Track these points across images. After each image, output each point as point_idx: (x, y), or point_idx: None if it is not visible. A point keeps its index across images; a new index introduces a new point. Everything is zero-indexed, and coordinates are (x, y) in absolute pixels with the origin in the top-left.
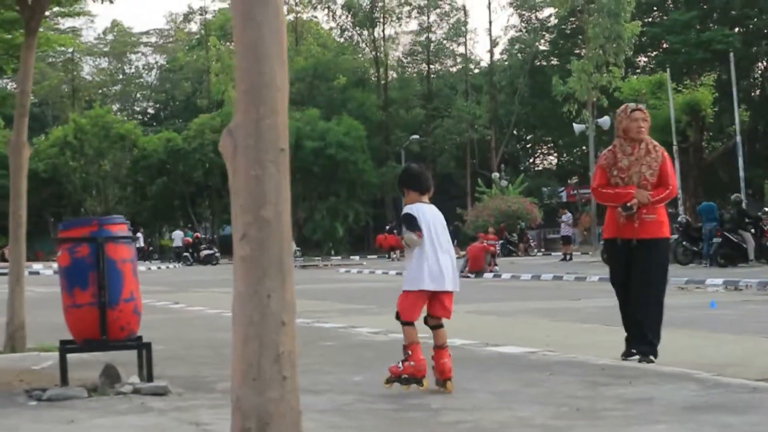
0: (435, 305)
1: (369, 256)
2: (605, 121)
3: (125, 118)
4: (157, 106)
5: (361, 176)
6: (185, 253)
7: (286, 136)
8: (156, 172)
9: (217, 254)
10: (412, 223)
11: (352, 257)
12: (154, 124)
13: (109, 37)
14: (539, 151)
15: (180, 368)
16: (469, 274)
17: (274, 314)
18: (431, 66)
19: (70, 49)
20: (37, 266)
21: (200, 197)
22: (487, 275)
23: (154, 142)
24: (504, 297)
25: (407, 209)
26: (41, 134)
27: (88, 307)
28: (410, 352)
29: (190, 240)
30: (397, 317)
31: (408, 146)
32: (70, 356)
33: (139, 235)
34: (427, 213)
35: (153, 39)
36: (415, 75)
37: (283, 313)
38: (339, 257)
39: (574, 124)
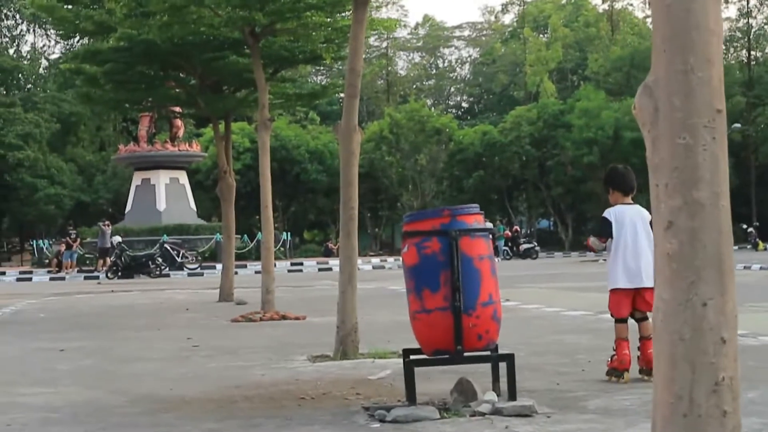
0: (637, 300)
1: None
2: None
3: (440, 112)
4: (471, 99)
5: None
6: (504, 247)
7: (721, 93)
8: (472, 165)
9: (537, 248)
10: (603, 228)
11: None
12: (468, 117)
13: (421, 32)
14: None
15: (536, 380)
16: None
17: (712, 329)
18: (752, 52)
19: (384, 45)
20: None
21: (517, 190)
22: None
23: (470, 136)
24: None
25: (605, 213)
26: None
27: (440, 313)
28: (615, 347)
29: (509, 234)
30: (611, 315)
31: (729, 135)
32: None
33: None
34: (627, 214)
35: (466, 32)
36: (734, 62)
37: (723, 328)
38: None
39: None
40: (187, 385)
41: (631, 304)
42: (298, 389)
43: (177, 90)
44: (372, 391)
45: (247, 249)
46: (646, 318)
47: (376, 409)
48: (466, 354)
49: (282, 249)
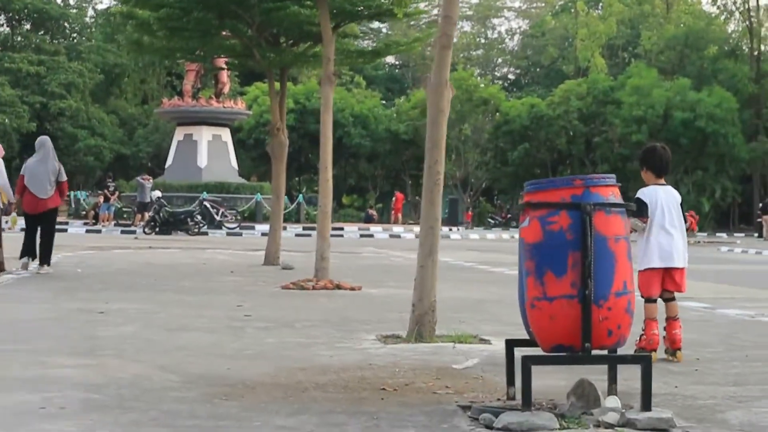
0: (666, 280)
1: (736, 234)
2: None
3: (487, 82)
4: (518, 71)
5: (731, 151)
6: None
7: None
8: (518, 137)
9: None
10: (640, 208)
11: (718, 234)
12: (515, 89)
13: (474, 0)
14: None
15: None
16: None
17: None
18: None
19: (435, 12)
20: (397, 229)
21: (562, 165)
22: None
23: (517, 108)
24: None
25: (639, 194)
26: (401, 96)
27: (565, 301)
28: (644, 327)
29: None
30: (641, 295)
31: None
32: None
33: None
34: (661, 195)
35: (517, 3)
36: None
37: None
38: (704, 234)
39: None
40: (246, 365)
41: (661, 284)
42: (375, 377)
43: (233, 41)
44: (462, 385)
45: (287, 211)
46: (674, 298)
47: (479, 411)
48: (594, 353)
49: None
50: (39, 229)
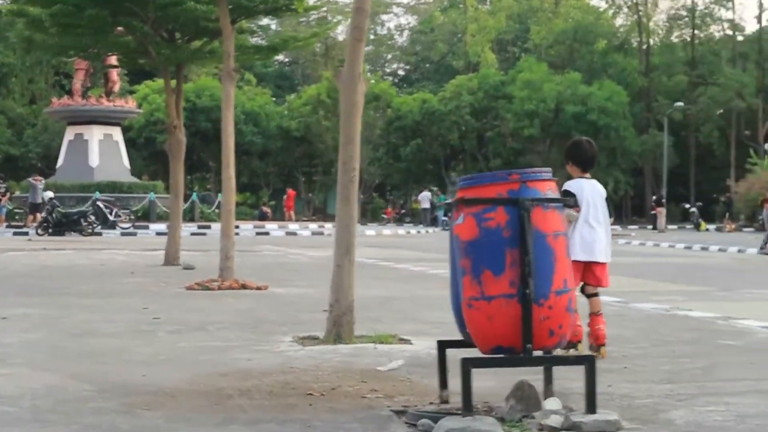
0: (588, 275)
1: (630, 227)
2: None
3: (377, 78)
4: (408, 67)
5: (623, 144)
6: (443, 218)
7: None
8: (410, 133)
9: None
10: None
11: (612, 227)
12: (405, 85)
13: None
14: None
15: (575, 380)
16: None
17: None
18: (695, 32)
19: (324, 9)
20: (293, 226)
21: (455, 160)
22: None
23: (409, 103)
24: None
25: (566, 186)
26: (291, 93)
27: (504, 301)
28: None
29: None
30: None
31: (671, 114)
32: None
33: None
34: (586, 188)
35: (405, 0)
36: (677, 41)
37: None
38: None
39: None
40: (163, 371)
41: (581, 277)
42: (299, 381)
43: (127, 38)
44: (390, 388)
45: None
46: (597, 294)
47: (416, 417)
48: (535, 354)
49: (216, 211)
50: None
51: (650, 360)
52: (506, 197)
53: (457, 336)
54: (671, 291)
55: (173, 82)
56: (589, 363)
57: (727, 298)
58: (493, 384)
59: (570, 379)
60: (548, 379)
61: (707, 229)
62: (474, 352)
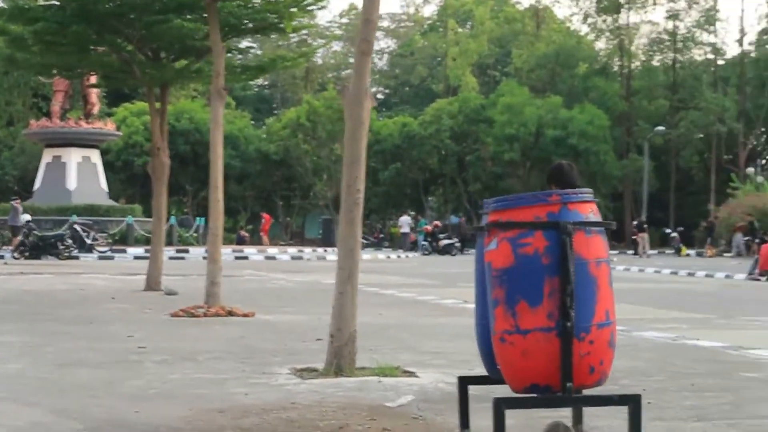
0: None
1: (611, 251)
2: None
3: None
4: (387, 91)
5: (603, 168)
6: (423, 242)
7: None
8: (390, 157)
9: (458, 244)
10: None
11: None
12: (384, 109)
13: (344, 20)
14: None
15: (606, 417)
16: (759, 277)
17: None
18: (677, 56)
19: (305, 31)
20: (272, 251)
21: (434, 185)
22: None
23: (389, 127)
24: None
25: None
26: (270, 116)
27: (542, 335)
28: None
29: (429, 228)
30: None
31: (651, 138)
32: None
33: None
34: None
35: (385, 23)
36: (658, 65)
37: None
38: None
39: None
40: (156, 406)
41: None
42: (303, 419)
43: (111, 56)
44: (402, 427)
45: None
46: None
47: None
48: (579, 394)
49: (195, 235)
50: None
51: (672, 395)
52: (545, 221)
53: (459, 369)
54: (672, 318)
55: (157, 104)
56: (634, 403)
57: (731, 326)
58: (512, 422)
59: (595, 416)
60: (578, 418)
61: (688, 254)
62: (499, 389)
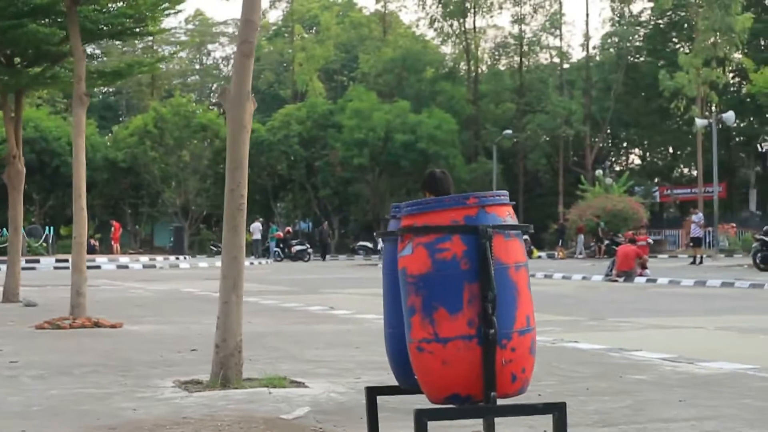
0: None
1: None
2: (730, 116)
3: (205, 108)
4: None
5: (451, 172)
6: (275, 249)
7: None
8: None
9: (310, 250)
10: None
11: None
12: None
13: (189, 26)
14: (626, 148)
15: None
16: (617, 278)
17: None
18: (523, 59)
19: (150, 38)
20: (123, 259)
21: (283, 190)
22: (639, 279)
23: None
24: (695, 308)
25: None
26: (115, 124)
27: (462, 343)
28: None
29: (281, 234)
30: None
31: (500, 141)
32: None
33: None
34: None
35: (230, 29)
36: (505, 69)
37: None
38: None
39: (696, 120)
40: (44, 425)
41: None
42: None
43: None
44: None
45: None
46: None
47: None
48: (499, 404)
49: (44, 245)
50: None
51: (570, 399)
52: (463, 224)
53: (345, 378)
54: (544, 321)
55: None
56: (559, 411)
57: (602, 327)
58: None
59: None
60: (490, 428)
61: (539, 257)
62: (411, 400)
